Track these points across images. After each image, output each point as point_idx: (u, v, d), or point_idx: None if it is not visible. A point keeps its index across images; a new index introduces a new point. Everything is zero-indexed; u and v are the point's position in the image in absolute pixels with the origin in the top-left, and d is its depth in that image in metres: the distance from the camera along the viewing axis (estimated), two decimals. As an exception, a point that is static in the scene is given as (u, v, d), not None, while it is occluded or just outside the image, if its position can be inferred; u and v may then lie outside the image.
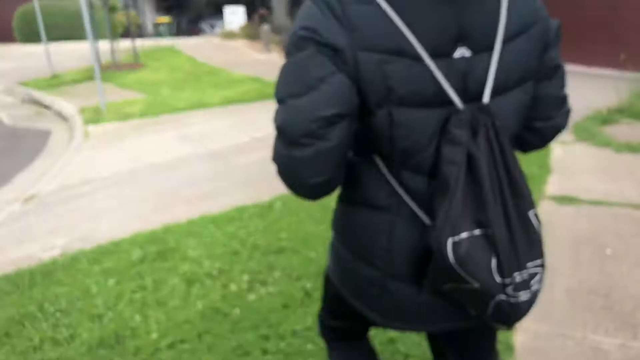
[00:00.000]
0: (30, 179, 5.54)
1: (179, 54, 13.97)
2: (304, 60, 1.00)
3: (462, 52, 1.02)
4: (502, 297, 1.02)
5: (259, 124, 6.91)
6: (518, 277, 1.02)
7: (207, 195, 4.55)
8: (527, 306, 1.07)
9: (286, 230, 3.52)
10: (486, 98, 1.04)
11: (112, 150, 6.26)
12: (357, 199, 1.19)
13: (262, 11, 18.78)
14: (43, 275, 3.18)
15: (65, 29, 16.65)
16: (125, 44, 12.99)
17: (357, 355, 1.69)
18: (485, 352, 1.38)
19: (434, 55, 1.00)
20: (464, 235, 0.99)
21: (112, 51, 11.27)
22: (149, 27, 21.33)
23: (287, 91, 1.03)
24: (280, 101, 1.04)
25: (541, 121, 1.21)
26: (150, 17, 21.73)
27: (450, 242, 0.99)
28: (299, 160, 1.05)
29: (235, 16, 18.73)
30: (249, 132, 6.49)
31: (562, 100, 1.22)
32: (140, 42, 15.46)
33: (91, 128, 7.24)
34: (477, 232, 1.00)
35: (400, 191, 1.11)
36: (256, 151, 5.74)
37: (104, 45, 11.86)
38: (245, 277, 2.95)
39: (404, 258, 1.14)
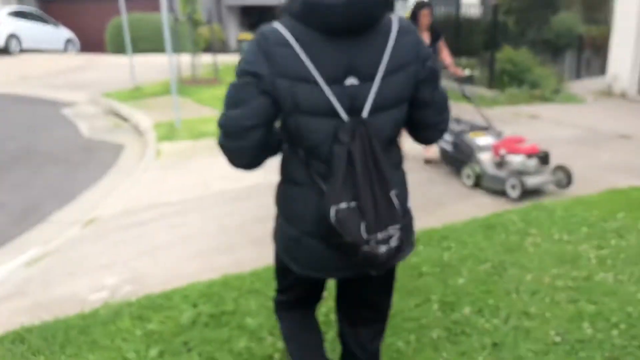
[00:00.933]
0: (95, 199, 5.27)
1: (259, 71, 13.84)
2: (239, 85, 1.55)
3: (351, 80, 1.51)
4: (366, 248, 1.50)
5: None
6: (380, 235, 1.51)
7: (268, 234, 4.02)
8: (386, 256, 1.53)
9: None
10: (365, 114, 1.53)
11: (182, 171, 5.92)
12: (286, 177, 1.70)
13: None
14: (80, 330, 2.75)
15: (154, 41, 17.02)
16: (207, 58, 12.93)
17: (300, 323, 2.03)
18: (378, 304, 1.95)
19: (329, 82, 1.49)
20: (343, 205, 1.49)
21: (193, 65, 11.19)
22: (233, 43, 21.59)
23: (226, 104, 1.58)
24: (224, 109, 1.59)
25: (422, 132, 1.77)
26: (234, 33, 22.00)
27: (333, 209, 1.49)
28: (229, 149, 1.61)
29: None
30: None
31: (436, 124, 1.74)
32: (222, 58, 15.49)
33: (164, 145, 6.97)
34: (352, 204, 1.49)
35: (311, 172, 1.59)
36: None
37: (186, 58, 11.83)
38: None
39: (313, 220, 1.59)
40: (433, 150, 5.77)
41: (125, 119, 8.97)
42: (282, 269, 1.90)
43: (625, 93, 9.63)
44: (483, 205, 4.44)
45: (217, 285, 3.19)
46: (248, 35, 20.86)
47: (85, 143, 7.52)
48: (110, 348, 2.58)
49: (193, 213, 4.64)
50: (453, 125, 5.32)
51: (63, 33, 18.87)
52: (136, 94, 10.53)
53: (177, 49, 11.46)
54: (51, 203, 5.16)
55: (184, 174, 5.82)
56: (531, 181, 4.52)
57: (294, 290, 1.96)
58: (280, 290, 2.05)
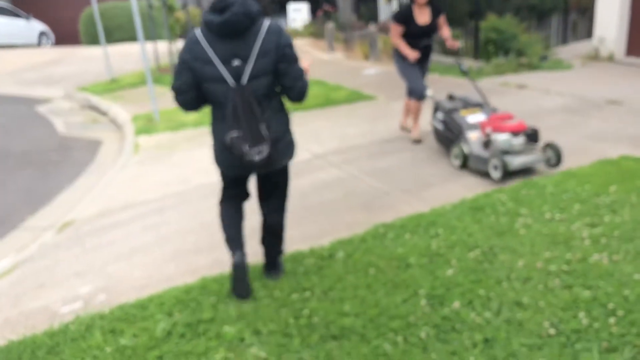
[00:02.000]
0: (70, 201, 5.07)
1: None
2: (177, 65, 2.67)
3: (236, 62, 2.56)
4: (248, 157, 2.57)
5: (322, 136, 6.17)
6: (255, 149, 2.57)
7: (255, 230, 3.84)
8: (262, 162, 2.60)
9: (351, 299, 2.73)
10: (244, 81, 2.57)
11: (161, 166, 5.71)
12: (214, 118, 2.78)
13: (327, 7, 18.04)
14: (48, 350, 2.58)
15: (130, 30, 16.54)
16: (185, 44, 12.64)
17: (230, 210, 3.04)
18: (274, 190, 3.01)
19: (223, 63, 2.56)
20: (234, 134, 2.56)
21: (170, 53, 10.85)
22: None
23: (174, 76, 2.69)
24: (173, 79, 2.71)
25: (288, 93, 2.73)
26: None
27: (228, 136, 2.57)
28: (178, 101, 2.72)
29: (298, 13, 18.01)
30: (310, 146, 5.76)
31: (293, 87, 2.68)
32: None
33: (142, 139, 6.75)
34: (237, 133, 2.56)
35: (218, 115, 2.73)
36: (315, 172, 4.99)
37: (163, 46, 11.49)
38: (296, 379, 2.20)
39: (223, 141, 2.69)
40: (418, 130, 5.62)
41: (102, 113, 8.71)
42: (220, 173, 2.96)
43: (612, 56, 9.44)
44: (471, 186, 4.28)
45: (195, 290, 3.02)
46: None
47: (61, 141, 7.27)
48: (79, 369, 2.42)
49: (172, 210, 4.45)
50: (445, 103, 5.06)
51: (36, 26, 18.32)
52: (113, 86, 10.24)
53: (153, 36, 11.12)
54: (25, 208, 4.96)
55: (163, 169, 5.62)
56: (516, 161, 4.24)
57: (228, 188, 3.03)
58: (222, 189, 3.06)
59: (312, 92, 8.58)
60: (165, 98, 8.77)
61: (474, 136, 4.61)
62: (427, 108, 6.12)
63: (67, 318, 2.92)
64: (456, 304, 2.58)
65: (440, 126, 5.02)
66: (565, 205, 3.60)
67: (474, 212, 3.67)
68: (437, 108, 5.09)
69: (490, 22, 9.59)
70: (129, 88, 10.06)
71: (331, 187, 4.59)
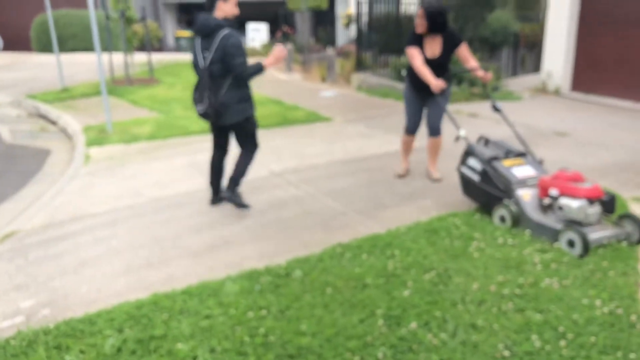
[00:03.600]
0: (14, 210, 4.84)
1: (197, 69, 13.39)
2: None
3: (206, 53, 4.11)
4: (201, 112, 4.22)
5: (279, 153, 6.16)
6: (197, 106, 4.23)
7: (211, 247, 3.79)
8: (200, 113, 4.24)
9: (308, 318, 2.71)
10: (206, 65, 4.11)
11: (113, 178, 5.54)
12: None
13: (286, 29, 18.18)
14: (-15, 368, 2.42)
15: (84, 40, 16.15)
16: (142, 57, 12.41)
17: (214, 158, 4.56)
18: (237, 139, 4.44)
19: (203, 52, 4.15)
20: (196, 95, 4.27)
21: (126, 65, 10.64)
22: (171, 41, 20.89)
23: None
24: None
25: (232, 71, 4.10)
26: (172, 30, 21.30)
27: (194, 97, 4.28)
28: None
29: (257, 33, 18.08)
30: (268, 163, 5.73)
31: (233, 70, 4.05)
32: (159, 56, 14.92)
33: (93, 150, 6.54)
34: (197, 95, 4.24)
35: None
36: (273, 190, 4.96)
37: (119, 58, 11.25)
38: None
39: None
40: (404, 165, 5.24)
41: (52, 122, 8.42)
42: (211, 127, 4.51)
43: (559, 90, 9.91)
44: (426, 208, 4.35)
45: (146, 305, 2.92)
46: (186, 33, 20.24)
47: (6, 149, 6.96)
48: (19, 389, 2.28)
49: (123, 224, 4.31)
50: (482, 149, 4.23)
51: (-16, 30, 17.65)
52: (64, 95, 9.92)
53: (110, 47, 10.89)
54: (-37, 217, 4.69)
55: (114, 181, 5.45)
56: (595, 236, 3.47)
57: (213, 137, 4.54)
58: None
59: (270, 111, 8.60)
60: (120, 110, 8.57)
61: (526, 195, 3.82)
62: (447, 152, 5.52)
63: (7, 333, 2.76)
64: (413, 325, 2.60)
65: (475, 177, 4.15)
66: (517, 232, 3.71)
67: (429, 234, 3.73)
68: (470, 153, 4.21)
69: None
70: (81, 98, 9.76)
71: (289, 205, 4.57)
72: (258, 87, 11.05)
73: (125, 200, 4.84)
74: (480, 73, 4.64)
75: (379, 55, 11.24)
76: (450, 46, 4.69)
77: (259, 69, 4.07)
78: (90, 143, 6.82)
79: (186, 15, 22.39)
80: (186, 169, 5.72)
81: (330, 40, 17.67)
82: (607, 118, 7.88)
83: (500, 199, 3.91)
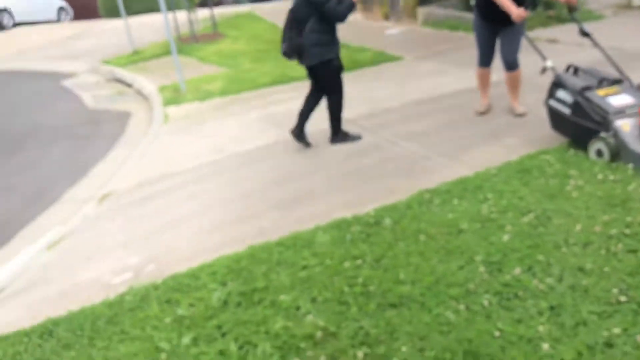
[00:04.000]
0: (107, 172, 5.09)
1: (259, 20, 13.23)
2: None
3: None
4: (282, 48, 4.48)
5: (350, 100, 6.05)
6: (283, 45, 4.44)
7: (297, 198, 3.83)
8: (283, 52, 4.44)
9: (405, 267, 2.70)
10: (293, 6, 4.35)
11: (193, 136, 5.69)
12: None
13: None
14: (107, 320, 2.61)
15: (148, 1, 16.39)
16: (204, 12, 12.43)
17: (309, 94, 4.74)
18: (318, 83, 4.65)
19: None
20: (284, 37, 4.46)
21: (190, 22, 10.72)
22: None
23: None
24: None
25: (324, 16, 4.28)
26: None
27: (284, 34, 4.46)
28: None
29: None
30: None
31: (326, 14, 4.22)
32: (220, 10, 14.90)
33: (171, 110, 6.72)
34: (285, 37, 4.42)
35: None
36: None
37: (183, 15, 11.32)
38: (360, 353, 2.17)
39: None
40: (485, 101, 4.99)
41: (128, 85, 8.69)
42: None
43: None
44: (513, 147, 4.16)
45: (245, 259, 3.02)
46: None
47: (90, 114, 7.28)
48: (141, 338, 2.45)
49: (209, 180, 4.44)
50: (572, 79, 3.85)
51: (55, 2, 18.22)
52: (136, 58, 10.17)
53: (172, 6, 10.97)
54: (63, 181, 5.00)
55: (194, 139, 5.60)
56: None
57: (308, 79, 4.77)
58: None
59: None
60: (189, 68, 8.71)
61: (626, 125, 3.50)
62: (528, 84, 5.09)
63: (120, 289, 2.95)
64: (516, 270, 2.53)
65: (565, 109, 3.81)
66: (617, 166, 3.49)
67: (521, 174, 3.58)
68: (559, 85, 3.87)
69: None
70: (153, 59, 9.99)
71: (368, 152, 4.52)
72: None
73: (208, 156, 4.97)
74: None
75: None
76: None
77: (350, 6, 4.23)
78: (167, 103, 7.00)
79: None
80: (261, 122, 5.76)
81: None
82: None
83: (597, 131, 3.59)
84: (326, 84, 4.58)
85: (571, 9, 4.30)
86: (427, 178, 3.84)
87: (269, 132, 5.38)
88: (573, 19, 4.35)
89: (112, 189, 4.59)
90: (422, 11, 10.43)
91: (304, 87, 7.06)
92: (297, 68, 8.26)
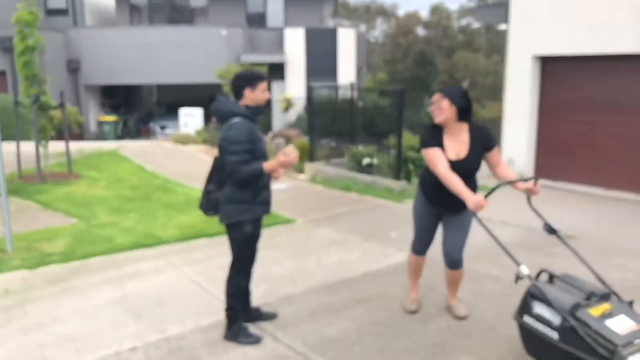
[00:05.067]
0: None
1: (123, 160, 11.64)
2: None
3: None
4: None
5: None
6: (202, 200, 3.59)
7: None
8: (199, 206, 3.60)
9: None
10: (217, 154, 3.56)
11: (4, 330, 3.86)
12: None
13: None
14: None
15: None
16: (60, 146, 10.54)
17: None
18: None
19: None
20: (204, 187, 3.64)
21: (37, 156, 8.91)
22: (92, 126, 19.14)
23: None
24: None
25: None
26: (95, 115, 19.58)
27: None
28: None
29: (191, 118, 16.77)
30: (220, 294, 4.23)
31: (226, 164, 3.38)
32: (80, 145, 13.25)
33: (-18, 281, 4.80)
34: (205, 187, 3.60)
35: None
36: (239, 347, 3.51)
37: (32, 148, 9.43)
38: None
39: None
40: (415, 295, 4.03)
41: None
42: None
43: (522, 177, 9.30)
44: None
45: None
46: (110, 117, 18.60)
47: None
48: None
49: None
50: (551, 290, 2.95)
51: None
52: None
53: (19, 136, 9.20)
54: None
55: (6, 337, 3.77)
56: None
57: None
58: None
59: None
60: (26, 216, 6.85)
61: None
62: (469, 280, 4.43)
63: None
64: None
65: (550, 333, 2.85)
66: None
67: None
68: (538, 298, 2.95)
69: (405, 139, 9.03)
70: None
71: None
72: (192, 179, 9.66)
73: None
74: (525, 185, 3.42)
75: (334, 143, 10.29)
76: (478, 146, 3.53)
77: (255, 172, 3.29)
78: (-21, 270, 5.06)
79: (110, 99, 20.89)
80: (114, 309, 4.14)
81: (267, 126, 16.82)
82: (588, 208, 7.18)
83: None
84: (231, 250, 3.55)
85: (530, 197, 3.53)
86: None
87: (126, 328, 3.79)
88: (534, 211, 3.52)
89: None
90: (309, 167, 9.80)
91: (175, 253, 5.63)
92: (167, 225, 6.82)
